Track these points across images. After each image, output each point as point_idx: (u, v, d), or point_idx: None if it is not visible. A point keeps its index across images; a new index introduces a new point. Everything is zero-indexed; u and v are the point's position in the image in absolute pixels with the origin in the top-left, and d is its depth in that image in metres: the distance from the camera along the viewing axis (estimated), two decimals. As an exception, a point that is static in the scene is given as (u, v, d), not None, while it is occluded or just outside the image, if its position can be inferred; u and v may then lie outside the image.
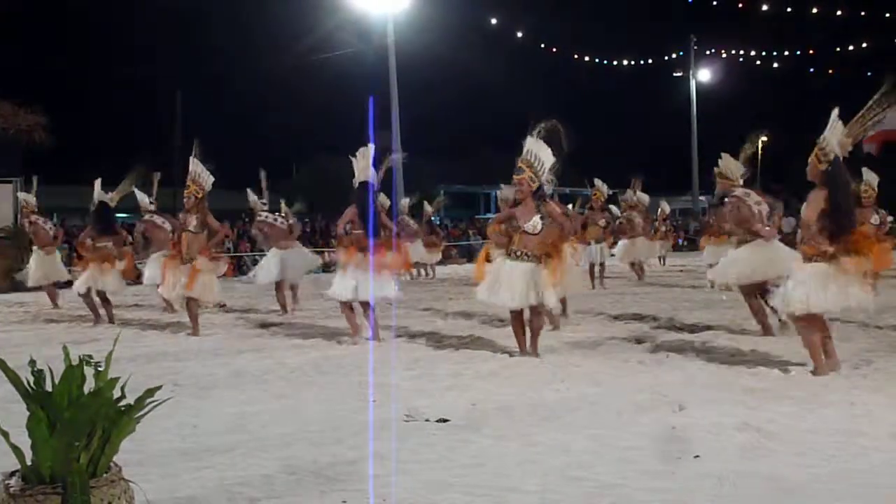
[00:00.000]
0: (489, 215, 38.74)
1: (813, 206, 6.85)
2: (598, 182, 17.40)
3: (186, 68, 42.97)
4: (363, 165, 9.29)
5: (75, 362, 3.29)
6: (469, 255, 27.64)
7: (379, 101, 29.86)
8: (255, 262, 21.03)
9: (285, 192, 20.52)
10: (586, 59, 43.74)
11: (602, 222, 16.44)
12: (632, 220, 17.66)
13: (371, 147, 9.35)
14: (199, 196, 10.26)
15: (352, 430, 5.34)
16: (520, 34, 39.93)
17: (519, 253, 8.04)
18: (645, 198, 18.71)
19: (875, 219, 12.56)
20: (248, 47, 47.26)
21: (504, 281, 8.02)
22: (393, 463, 4.57)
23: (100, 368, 3.31)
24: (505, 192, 17.14)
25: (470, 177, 44.42)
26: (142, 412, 3.39)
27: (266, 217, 12.87)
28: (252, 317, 12.20)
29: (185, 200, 10.37)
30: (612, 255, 17.28)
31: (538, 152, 8.13)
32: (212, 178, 10.33)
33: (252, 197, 13.48)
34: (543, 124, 8.16)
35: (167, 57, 43.07)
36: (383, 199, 18.21)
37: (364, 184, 9.28)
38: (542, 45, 41.87)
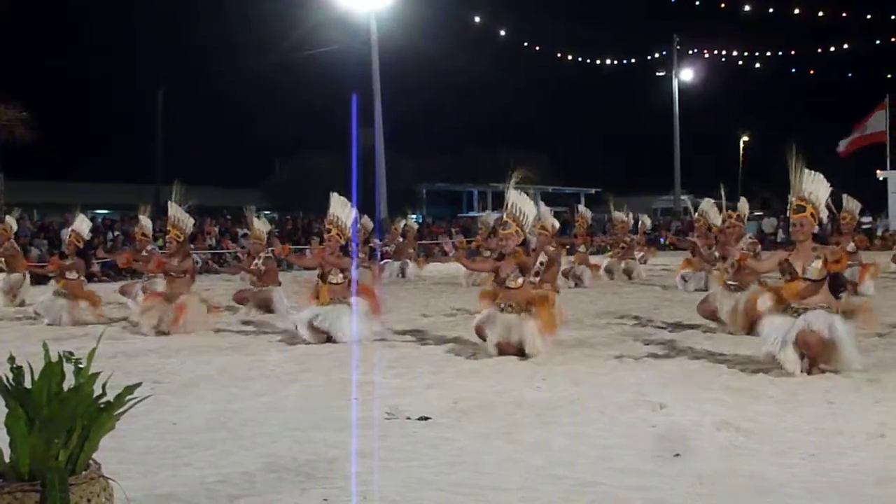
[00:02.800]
0: (472, 213, 38.73)
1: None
2: (581, 208, 18.89)
3: (169, 65, 42.81)
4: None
5: (55, 359, 3.27)
6: (453, 253, 27.65)
7: (362, 99, 29.90)
8: (236, 258, 21.05)
9: (269, 189, 20.50)
10: (569, 57, 43.82)
11: (582, 248, 17.00)
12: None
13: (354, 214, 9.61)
14: (181, 240, 10.46)
15: (333, 428, 5.34)
16: (503, 32, 40.01)
17: (503, 306, 8.11)
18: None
19: (851, 246, 12.95)
20: (230, 44, 47.05)
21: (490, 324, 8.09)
22: (374, 461, 4.57)
23: (80, 365, 3.29)
24: (486, 217, 17.41)
25: (453, 174, 44.41)
26: (122, 409, 3.37)
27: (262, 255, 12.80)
28: (233, 314, 12.13)
29: (167, 245, 10.60)
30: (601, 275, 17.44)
31: (522, 206, 8.32)
32: (192, 221, 10.66)
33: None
34: (517, 173, 8.40)
35: (150, 54, 42.90)
36: (366, 222, 18.30)
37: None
38: (526, 44, 41.94)
